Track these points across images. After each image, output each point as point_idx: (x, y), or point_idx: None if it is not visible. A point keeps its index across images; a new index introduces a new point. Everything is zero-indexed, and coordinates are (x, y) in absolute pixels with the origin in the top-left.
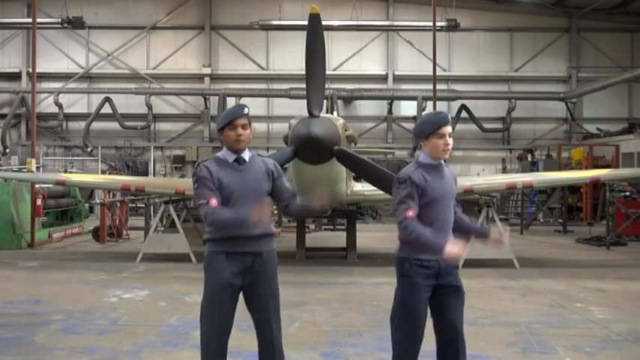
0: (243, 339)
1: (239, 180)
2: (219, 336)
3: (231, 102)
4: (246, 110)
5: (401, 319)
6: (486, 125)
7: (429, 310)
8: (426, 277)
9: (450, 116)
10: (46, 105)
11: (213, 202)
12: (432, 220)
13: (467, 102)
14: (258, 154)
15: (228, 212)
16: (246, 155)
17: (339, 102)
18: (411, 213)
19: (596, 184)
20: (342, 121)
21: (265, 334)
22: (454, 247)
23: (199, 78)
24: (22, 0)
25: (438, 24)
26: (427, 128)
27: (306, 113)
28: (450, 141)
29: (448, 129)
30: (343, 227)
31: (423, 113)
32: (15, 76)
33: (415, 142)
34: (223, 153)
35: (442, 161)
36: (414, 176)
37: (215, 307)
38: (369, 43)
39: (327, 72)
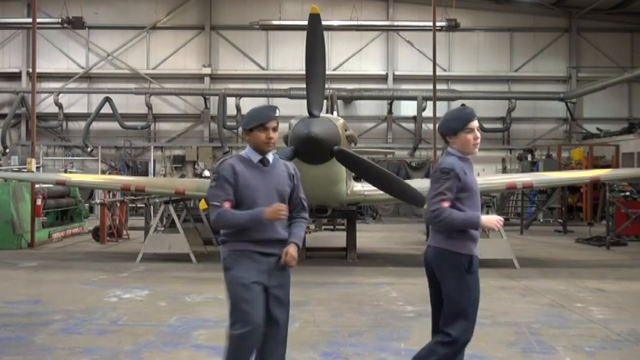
0: None
1: (263, 181)
2: (258, 333)
3: (231, 102)
4: (277, 113)
5: (470, 317)
6: (486, 125)
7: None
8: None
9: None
10: (46, 105)
11: (227, 204)
12: (474, 213)
13: (467, 102)
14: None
15: (243, 214)
16: (270, 157)
17: (339, 102)
18: (445, 204)
19: (596, 184)
20: (342, 121)
21: (273, 337)
22: (491, 217)
23: (199, 78)
24: (22, 0)
25: (438, 24)
26: (456, 125)
27: (306, 113)
28: (479, 134)
29: (476, 123)
30: (343, 227)
31: (446, 111)
32: (15, 76)
33: (415, 142)
34: (247, 152)
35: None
36: (457, 169)
37: (252, 303)
38: (369, 43)
39: (327, 72)
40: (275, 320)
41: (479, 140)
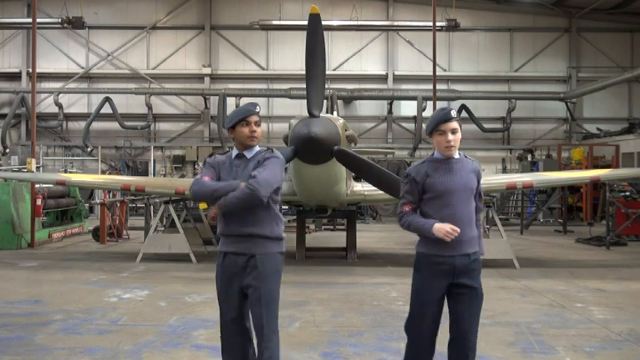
0: None
1: (232, 176)
2: (230, 332)
3: (231, 102)
4: (258, 108)
5: (413, 316)
6: (486, 125)
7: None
8: (439, 275)
9: (454, 112)
10: (46, 105)
11: (206, 177)
12: (440, 214)
13: (467, 102)
14: (268, 148)
15: (211, 183)
16: (251, 152)
17: (339, 102)
18: (406, 208)
19: (596, 184)
20: (342, 121)
21: (258, 342)
22: (443, 226)
23: (199, 78)
24: (22, 0)
25: (438, 24)
26: (429, 125)
27: (306, 113)
28: (451, 137)
29: (449, 125)
30: (343, 227)
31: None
32: (15, 76)
33: (415, 142)
34: (233, 151)
35: (459, 155)
36: (413, 173)
37: (222, 301)
38: (369, 43)
39: (327, 72)
40: (254, 317)
41: (451, 143)
